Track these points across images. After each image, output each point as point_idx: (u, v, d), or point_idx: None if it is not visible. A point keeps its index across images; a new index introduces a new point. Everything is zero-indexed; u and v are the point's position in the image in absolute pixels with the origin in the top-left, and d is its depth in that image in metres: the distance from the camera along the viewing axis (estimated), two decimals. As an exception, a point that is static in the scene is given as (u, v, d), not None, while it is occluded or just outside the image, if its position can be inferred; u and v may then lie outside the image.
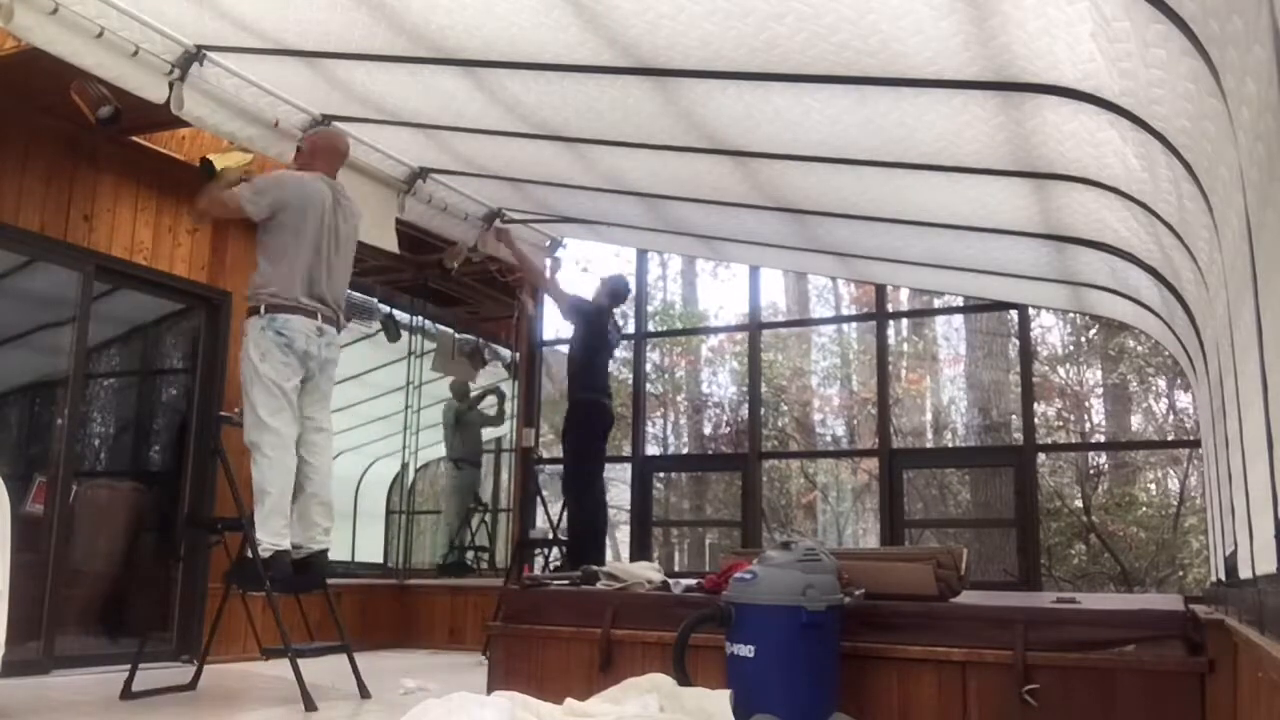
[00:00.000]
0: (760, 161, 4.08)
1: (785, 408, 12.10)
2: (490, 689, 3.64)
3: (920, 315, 10.83)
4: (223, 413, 4.95)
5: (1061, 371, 10.76)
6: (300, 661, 4.21)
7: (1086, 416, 10.75)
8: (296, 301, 4.21)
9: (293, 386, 4.22)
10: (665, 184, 4.83)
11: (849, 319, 12.70)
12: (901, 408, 11.36)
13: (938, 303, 10.22)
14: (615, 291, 6.32)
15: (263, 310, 4.19)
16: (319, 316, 4.27)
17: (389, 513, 9.02)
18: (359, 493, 5.74)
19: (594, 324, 6.09)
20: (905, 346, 11.97)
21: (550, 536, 6.61)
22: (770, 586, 2.92)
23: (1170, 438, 10.11)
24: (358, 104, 4.50)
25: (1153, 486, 10.57)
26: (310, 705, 4.03)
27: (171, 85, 4.11)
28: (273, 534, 4.18)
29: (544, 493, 7.44)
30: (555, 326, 7.87)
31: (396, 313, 8.60)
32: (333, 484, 4.48)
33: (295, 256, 4.22)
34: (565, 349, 6.04)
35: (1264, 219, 1.40)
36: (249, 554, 4.27)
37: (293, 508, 4.31)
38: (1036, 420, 7.19)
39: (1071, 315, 9.80)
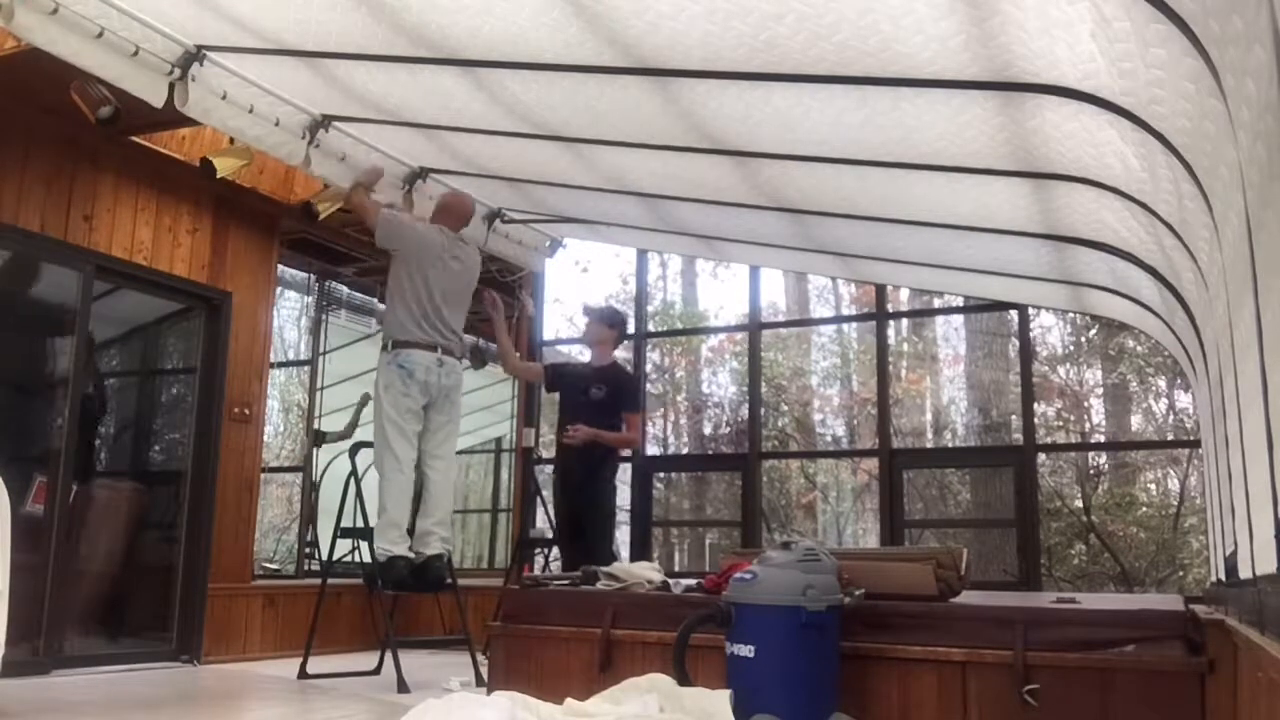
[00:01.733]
0: (760, 161, 4.08)
1: (785, 408, 12.10)
2: (490, 689, 3.64)
3: (920, 315, 10.82)
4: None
5: (1061, 371, 10.76)
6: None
7: (1086, 416, 10.75)
8: (416, 338, 4.71)
9: (414, 415, 4.73)
10: (665, 184, 4.83)
11: (849, 319, 12.69)
12: (901, 408, 11.36)
13: (938, 303, 10.21)
14: (622, 328, 5.66)
15: (389, 346, 4.74)
16: (438, 349, 4.75)
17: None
18: (362, 490, 5.79)
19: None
20: (905, 346, 11.97)
21: (550, 536, 6.60)
22: (770, 586, 2.92)
23: (1170, 438, 10.10)
24: (358, 104, 4.50)
25: (1153, 486, 10.57)
26: (404, 688, 4.50)
27: (171, 85, 4.12)
28: (389, 542, 4.66)
29: (544, 493, 7.43)
30: (555, 327, 7.87)
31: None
32: (449, 499, 5.03)
33: (415, 298, 4.74)
34: (595, 392, 5.26)
35: (1264, 219, 1.40)
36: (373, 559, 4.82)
37: (414, 520, 4.83)
38: (1036, 420, 7.19)
39: (1071, 315, 9.80)
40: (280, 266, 6.70)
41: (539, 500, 7.26)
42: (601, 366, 5.41)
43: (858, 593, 3.11)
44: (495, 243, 6.29)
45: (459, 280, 4.96)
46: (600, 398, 5.25)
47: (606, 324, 5.49)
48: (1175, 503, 9.65)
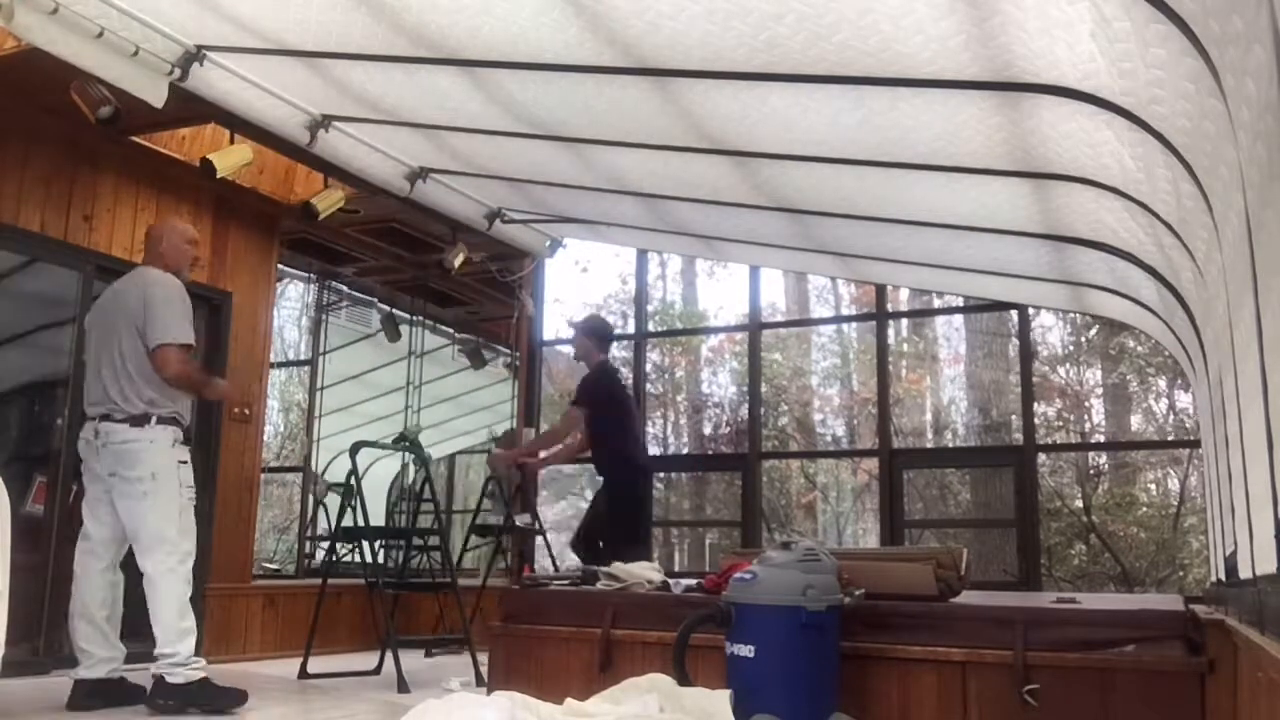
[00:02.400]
0: (760, 161, 4.08)
1: (785, 408, 12.10)
2: (490, 689, 3.65)
3: (920, 315, 10.83)
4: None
5: (1061, 371, 10.76)
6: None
7: (1086, 416, 10.75)
8: (83, 417, 4.03)
9: (93, 511, 3.95)
10: (665, 184, 4.83)
11: (849, 319, 12.70)
12: (901, 408, 11.36)
13: (938, 303, 10.21)
14: (601, 335, 5.52)
15: None
16: (96, 418, 3.95)
17: (389, 514, 9.02)
18: (363, 488, 5.91)
19: (606, 390, 5.31)
20: (905, 346, 11.98)
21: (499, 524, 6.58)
22: (770, 586, 2.92)
23: (1170, 438, 10.11)
24: (357, 104, 4.50)
25: (1153, 486, 10.57)
26: (404, 688, 4.50)
27: (171, 86, 4.12)
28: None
29: (545, 492, 7.42)
30: (555, 327, 7.86)
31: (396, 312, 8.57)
32: (161, 611, 3.85)
33: (87, 375, 4.09)
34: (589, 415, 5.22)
35: (1264, 219, 1.40)
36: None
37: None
38: (1036, 420, 7.19)
39: (1071, 315, 9.80)
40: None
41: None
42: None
43: (858, 593, 3.11)
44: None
45: (112, 322, 4.03)
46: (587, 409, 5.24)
47: (583, 334, 5.50)
48: (1175, 503, 9.65)
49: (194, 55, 4.12)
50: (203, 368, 4.75)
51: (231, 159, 4.96)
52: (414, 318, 8.91)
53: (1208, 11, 1.58)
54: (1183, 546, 9.33)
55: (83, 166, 5.21)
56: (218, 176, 4.94)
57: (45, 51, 3.71)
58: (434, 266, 7.05)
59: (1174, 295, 3.37)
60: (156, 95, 4.09)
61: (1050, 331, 10.69)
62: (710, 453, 12.64)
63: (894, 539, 6.42)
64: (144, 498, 3.85)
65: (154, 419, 3.92)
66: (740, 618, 2.95)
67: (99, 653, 3.87)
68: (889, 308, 7.95)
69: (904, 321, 11.35)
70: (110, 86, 4.15)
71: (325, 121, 4.81)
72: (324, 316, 8.73)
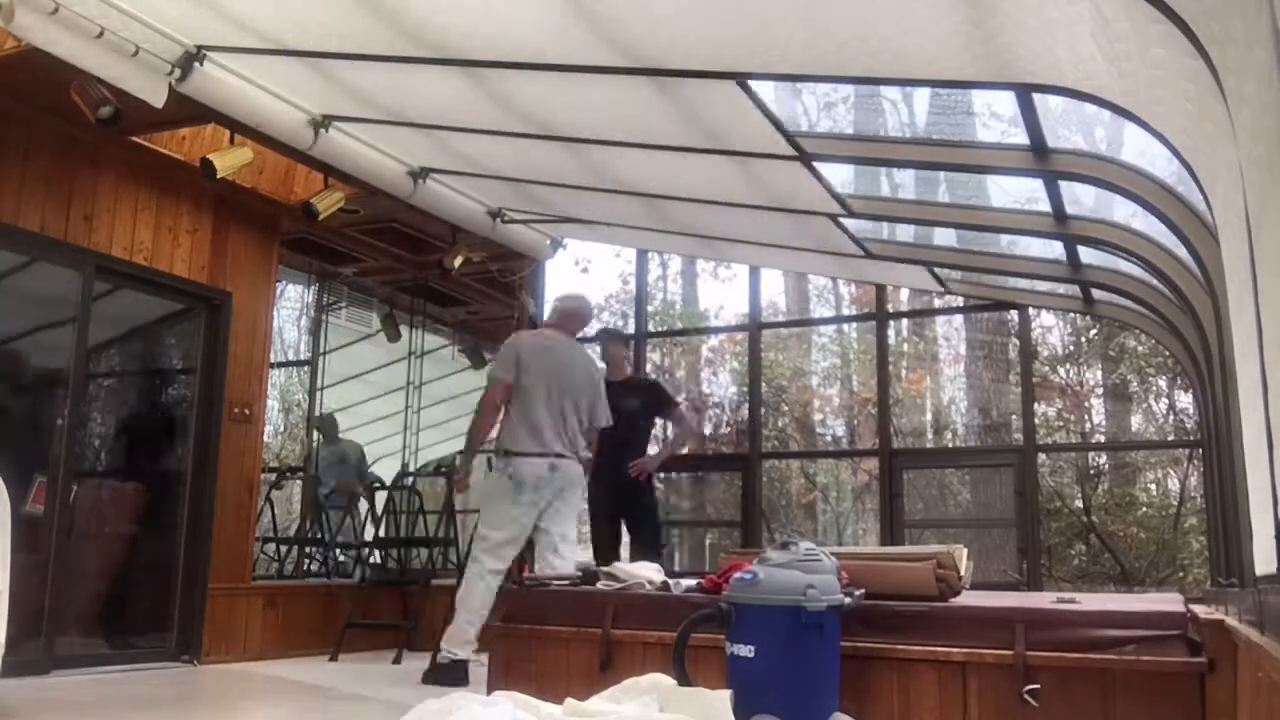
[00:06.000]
0: (758, 161, 4.08)
1: (785, 408, 12.10)
2: (490, 689, 3.64)
3: (920, 315, 10.81)
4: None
5: (1061, 371, 10.75)
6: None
7: (1086, 416, 10.74)
8: (530, 449, 4.91)
9: (521, 524, 4.90)
10: (665, 184, 4.83)
11: (849, 319, 12.68)
12: (901, 408, 11.35)
13: (938, 303, 10.20)
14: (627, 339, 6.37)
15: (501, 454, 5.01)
16: (552, 454, 4.91)
17: (389, 513, 9.01)
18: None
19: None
20: (905, 346, 11.96)
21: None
22: (770, 586, 2.92)
23: (1170, 438, 10.10)
24: (357, 103, 4.50)
25: (1153, 486, 10.55)
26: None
27: (171, 86, 4.12)
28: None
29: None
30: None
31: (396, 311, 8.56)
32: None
33: (546, 415, 4.96)
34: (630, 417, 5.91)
35: (1264, 219, 1.40)
36: None
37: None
38: (1036, 420, 7.18)
39: (1071, 315, 9.79)
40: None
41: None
42: (623, 380, 5.99)
43: (858, 593, 3.11)
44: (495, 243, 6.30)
45: (575, 385, 5.07)
46: (635, 408, 5.86)
47: (623, 342, 6.20)
48: (1175, 503, 9.64)
49: (194, 55, 4.12)
50: None
51: (231, 159, 4.96)
52: (414, 318, 8.90)
53: (1208, 12, 1.58)
54: (1183, 546, 9.31)
55: (83, 166, 5.21)
56: (218, 176, 4.94)
57: (45, 51, 3.71)
58: (434, 266, 7.05)
59: (1175, 295, 3.37)
60: (156, 95, 4.09)
61: (1050, 331, 10.68)
62: (710, 453, 12.63)
63: (894, 539, 6.42)
64: (574, 514, 5.08)
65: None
66: (740, 618, 2.94)
67: (474, 640, 4.74)
68: (889, 308, 7.94)
69: (904, 322, 11.34)
70: (110, 86, 4.15)
71: (326, 121, 4.81)
72: (324, 316, 8.73)
